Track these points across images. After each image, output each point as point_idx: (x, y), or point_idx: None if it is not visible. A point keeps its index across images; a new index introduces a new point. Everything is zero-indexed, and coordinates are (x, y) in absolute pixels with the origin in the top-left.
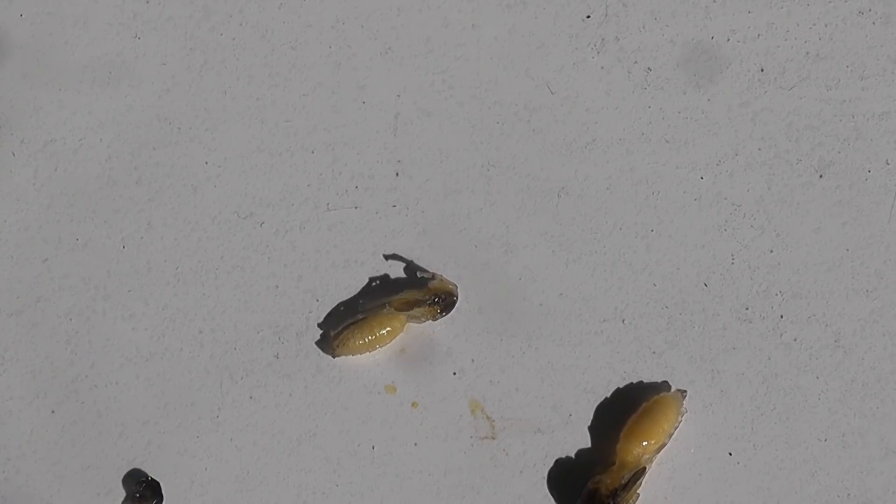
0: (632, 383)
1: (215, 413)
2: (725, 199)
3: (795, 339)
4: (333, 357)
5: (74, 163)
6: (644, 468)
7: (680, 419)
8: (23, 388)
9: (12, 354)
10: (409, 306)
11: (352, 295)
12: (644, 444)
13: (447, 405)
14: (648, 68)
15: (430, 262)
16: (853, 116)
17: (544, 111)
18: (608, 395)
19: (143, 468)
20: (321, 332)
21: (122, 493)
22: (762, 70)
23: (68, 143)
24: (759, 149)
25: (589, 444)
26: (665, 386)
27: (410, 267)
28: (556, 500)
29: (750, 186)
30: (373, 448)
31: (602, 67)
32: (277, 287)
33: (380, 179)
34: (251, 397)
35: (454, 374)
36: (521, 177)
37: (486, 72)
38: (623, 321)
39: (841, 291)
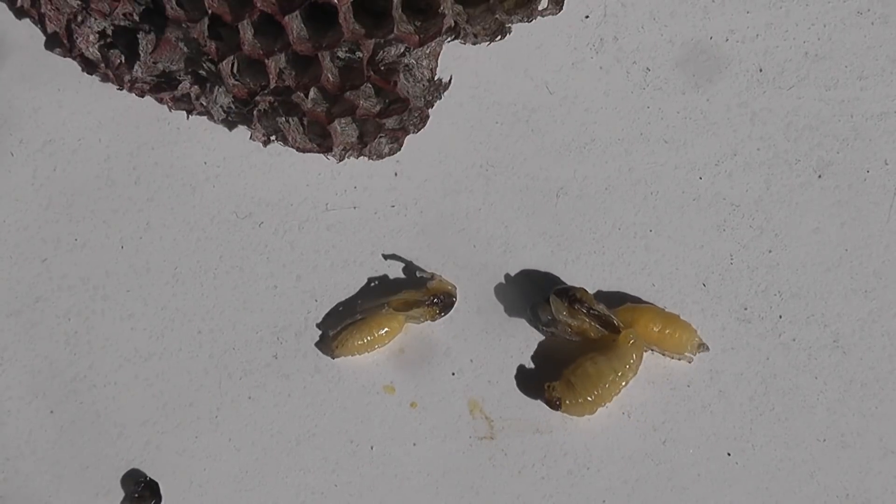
0: None
1: (214, 413)
2: (724, 199)
3: (794, 340)
4: (332, 357)
5: (73, 163)
6: (617, 329)
7: (691, 354)
8: (21, 388)
9: (11, 355)
10: (407, 307)
11: (350, 295)
12: (654, 328)
13: (446, 405)
14: (647, 68)
15: (428, 262)
16: (852, 117)
17: (543, 111)
18: None
19: (141, 468)
20: (320, 332)
21: (121, 494)
22: (761, 70)
23: (67, 143)
24: (758, 149)
25: (588, 445)
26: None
27: (409, 267)
28: (555, 500)
29: (749, 186)
30: (371, 448)
31: (601, 67)
32: (276, 287)
33: (378, 179)
34: (250, 397)
35: (453, 374)
36: (520, 177)
37: (485, 72)
38: None
39: (840, 291)
